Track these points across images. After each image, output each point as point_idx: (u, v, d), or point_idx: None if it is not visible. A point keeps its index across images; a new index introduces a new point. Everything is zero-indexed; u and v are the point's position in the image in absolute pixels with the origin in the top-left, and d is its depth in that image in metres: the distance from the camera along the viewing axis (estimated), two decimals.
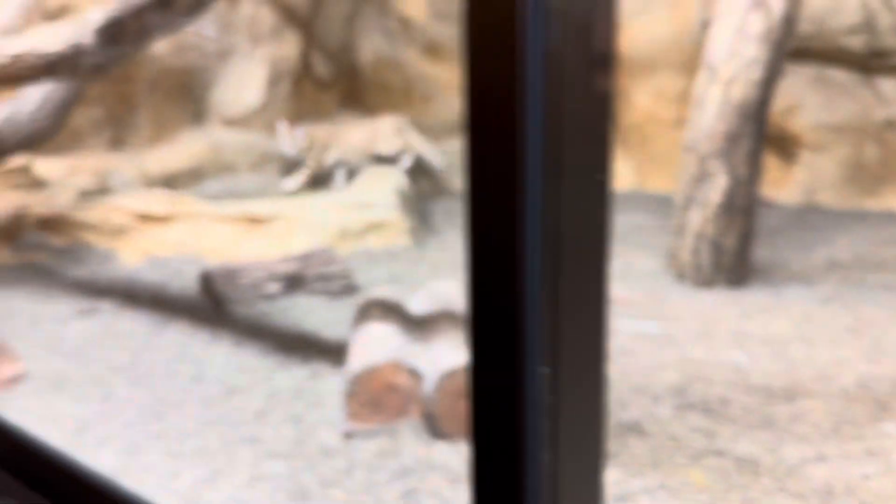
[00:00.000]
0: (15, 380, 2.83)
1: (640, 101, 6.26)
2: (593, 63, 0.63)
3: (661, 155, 6.23)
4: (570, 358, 0.70)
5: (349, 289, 3.93)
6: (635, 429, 2.47)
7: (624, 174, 6.49)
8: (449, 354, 2.45)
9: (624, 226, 5.27)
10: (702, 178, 3.71)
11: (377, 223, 4.81)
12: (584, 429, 0.74)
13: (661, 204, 5.93)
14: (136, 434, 2.48)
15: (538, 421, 0.66)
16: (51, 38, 3.53)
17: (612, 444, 2.39)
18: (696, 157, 3.75)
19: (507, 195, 0.62)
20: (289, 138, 5.69)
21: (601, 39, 0.64)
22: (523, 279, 0.63)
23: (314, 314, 3.64)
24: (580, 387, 0.71)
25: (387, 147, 5.65)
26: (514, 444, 0.66)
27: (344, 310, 3.70)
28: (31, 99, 4.24)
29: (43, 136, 4.34)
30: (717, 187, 3.69)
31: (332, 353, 3.14)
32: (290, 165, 5.61)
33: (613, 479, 2.19)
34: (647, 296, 3.81)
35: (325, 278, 3.88)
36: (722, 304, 3.61)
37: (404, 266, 4.44)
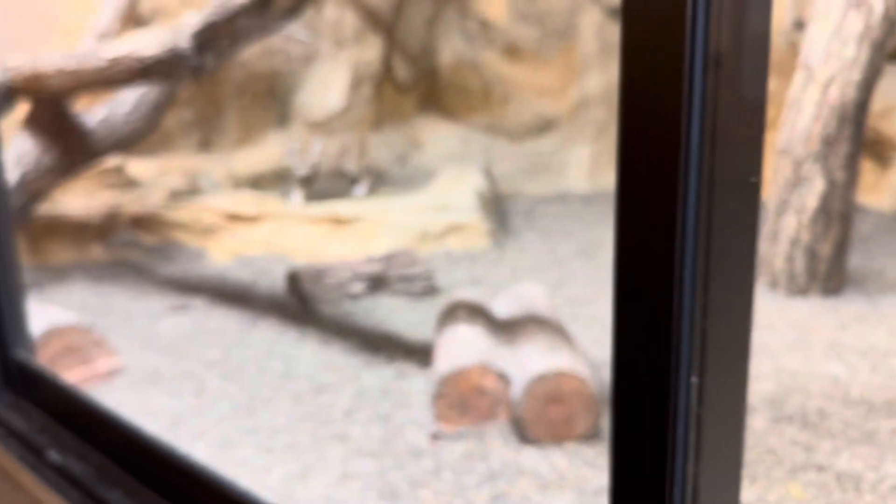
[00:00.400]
0: (113, 373, 2.94)
1: None
2: (749, 62, 0.61)
3: None
4: (716, 367, 0.67)
5: (430, 290, 3.95)
6: None
7: None
8: (537, 358, 2.43)
9: None
10: (797, 182, 3.58)
11: (457, 225, 4.81)
12: (726, 440, 0.71)
13: None
14: (228, 428, 2.54)
15: (687, 433, 0.64)
16: (148, 43, 3.66)
17: None
18: (791, 161, 3.62)
19: (664, 201, 0.60)
20: (297, 156, 5.71)
21: (758, 39, 0.62)
22: (679, 288, 0.61)
23: (397, 314, 3.66)
24: (724, 396, 0.69)
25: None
26: (662, 457, 0.64)
27: (426, 311, 3.72)
28: (126, 101, 4.39)
29: (136, 137, 4.49)
30: (814, 192, 3.56)
31: (417, 353, 3.15)
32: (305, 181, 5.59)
33: None
34: None
35: (407, 279, 3.91)
36: (817, 314, 3.48)
37: (484, 268, 4.43)
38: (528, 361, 2.43)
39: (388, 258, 3.99)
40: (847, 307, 3.54)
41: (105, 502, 1.51)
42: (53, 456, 1.68)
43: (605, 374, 2.94)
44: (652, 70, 0.58)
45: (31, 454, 1.72)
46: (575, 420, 2.34)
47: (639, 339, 0.65)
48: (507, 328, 2.79)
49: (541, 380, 2.32)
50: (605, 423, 2.49)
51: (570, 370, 2.32)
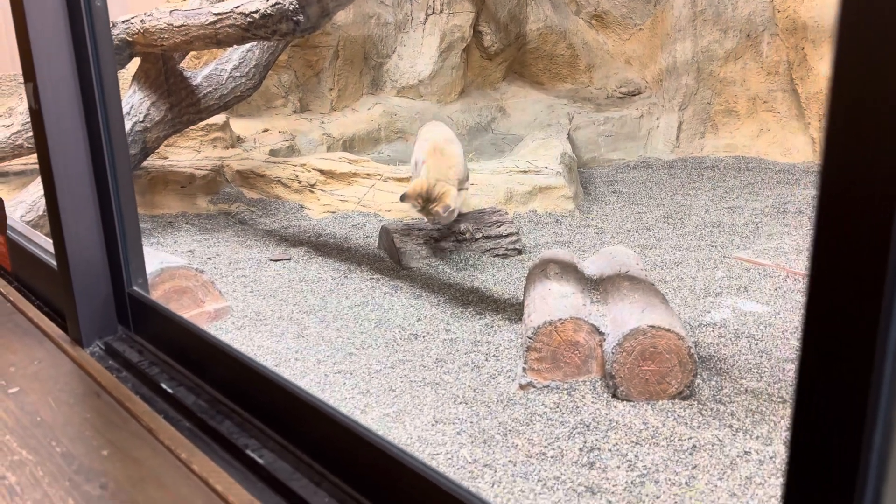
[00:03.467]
0: (219, 314, 2.95)
1: (822, 69, 5.69)
2: None
3: None
4: None
5: (518, 250, 3.83)
6: None
7: (799, 147, 5.97)
8: (632, 314, 2.29)
9: (800, 200, 4.83)
10: None
11: (543, 187, 4.67)
12: None
13: None
14: (327, 370, 2.51)
15: (885, 435, 0.52)
16: (254, 0, 3.62)
17: None
18: None
19: (884, 177, 0.48)
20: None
21: None
22: (891, 275, 0.49)
23: (485, 272, 3.57)
24: None
25: None
26: (855, 458, 0.52)
27: (513, 269, 3.62)
28: (231, 59, 4.40)
29: (240, 95, 4.49)
30: None
31: (506, 309, 3.06)
32: None
33: None
34: None
35: (495, 237, 3.80)
36: None
37: (569, 231, 4.28)
38: (622, 317, 2.30)
39: (478, 216, 3.89)
40: None
41: (216, 433, 1.48)
42: (166, 387, 1.66)
43: (696, 336, 2.78)
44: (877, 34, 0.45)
45: (145, 385, 1.71)
46: (669, 378, 2.20)
47: (835, 332, 0.52)
48: (599, 285, 2.66)
49: (636, 335, 2.19)
50: (700, 383, 2.34)
51: (668, 326, 2.18)
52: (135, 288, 1.93)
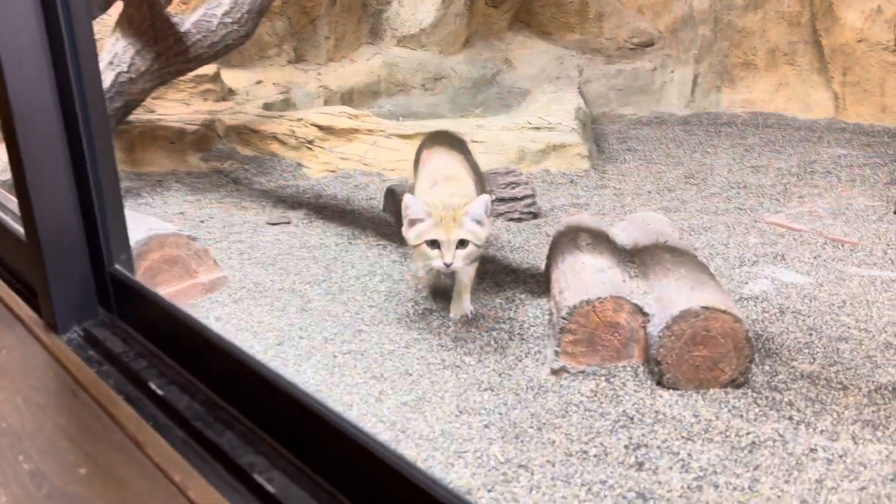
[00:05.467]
0: (217, 284, 2.69)
1: (850, 19, 5.37)
2: None
3: (868, 81, 5.36)
4: None
5: (533, 213, 3.56)
6: None
7: (820, 102, 5.67)
8: (678, 295, 2.04)
9: (826, 159, 4.56)
10: None
11: (557, 145, 4.38)
12: None
13: (860, 135, 5.13)
14: (335, 350, 2.25)
15: None
16: None
17: (873, 410, 1.93)
18: None
19: None
20: None
21: None
22: None
23: (500, 237, 3.31)
24: None
25: None
26: None
27: (531, 235, 3.35)
28: (223, 3, 4.03)
29: (232, 43, 4.13)
30: None
31: (526, 280, 2.80)
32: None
33: (883, 453, 1.75)
34: (874, 239, 3.20)
35: (509, 200, 3.53)
36: None
37: (586, 192, 4.01)
38: (669, 296, 2.04)
39: (489, 177, 3.61)
40: None
41: (215, 448, 1.23)
42: (154, 386, 1.41)
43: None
44: None
45: (130, 382, 1.45)
46: (722, 365, 1.96)
47: None
48: (636, 257, 2.40)
49: (687, 317, 1.94)
50: (756, 370, 2.10)
51: (724, 307, 1.93)
52: (117, 266, 1.66)
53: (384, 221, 3.52)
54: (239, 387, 1.33)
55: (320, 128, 4.48)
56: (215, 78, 5.02)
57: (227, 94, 5.17)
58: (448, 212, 2.20)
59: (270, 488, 1.13)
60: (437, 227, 2.19)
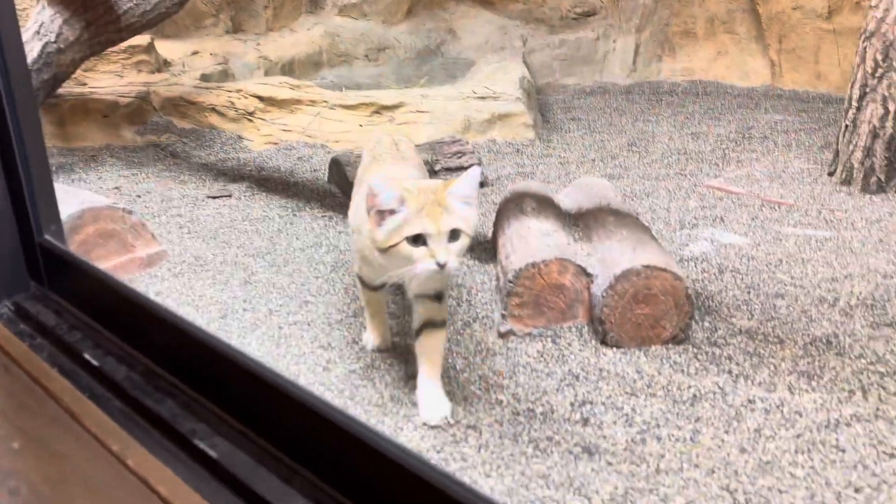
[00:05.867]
0: (156, 258, 2.62)
1: None
2: None
3: (803, 49, 5.50)
4: None
5: (480, 182, 3.56)
6: (832, 346, 2.07)
7: (757, 70, 5.79)
8: (621, 255, 2.07)
9: (763, 125, 4.67)
10: (889, 69, 3.11)
11: (502, 115, 4.38)
12: None
13: (796, 101, 5.26)
14: (281, 321, 2.23)
15: None
16: None
17: (808, 361, 2.00)
18: (880, 45, 3.14)
19: None
20: None
21: None
22: None
23: None
24: None
25: None
26: None
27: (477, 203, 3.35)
28: None
29: (166, 12, 3.99)
30: None
31: (472, 247, 2.80)
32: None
33: (817, 402, 1.82)
34: (809, 200, 3.30)
35: (456, 169, 3.52)
36: None
37: (532, 161, 4.03)
38: (612, 257, 2.07)
39: (435, 146, 3.60)
40: None
41: (155, 416, 1.20)
42: (90, 357, 1.37)
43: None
44: None
45: (64, 354, 1.41)
46: (664, 322, 2.01)
47: None
48: (580, 221, 2.43)
49: (629, 276, 1.97)
50: (693, 325, 2.15)
51: (664, 265, 1.97)
52: (47, 237, 1.60)
53: (329, 192, 3.47)
54: (180, 355, 1.30)
55: (261, 99, 4.38)
56: (149, 49, 4.86)
57: (162, 65, 5.01)
58: (429, 195, 1.63)
59: (213, 453, 1.11)
60: (419, 216, 1.60)
